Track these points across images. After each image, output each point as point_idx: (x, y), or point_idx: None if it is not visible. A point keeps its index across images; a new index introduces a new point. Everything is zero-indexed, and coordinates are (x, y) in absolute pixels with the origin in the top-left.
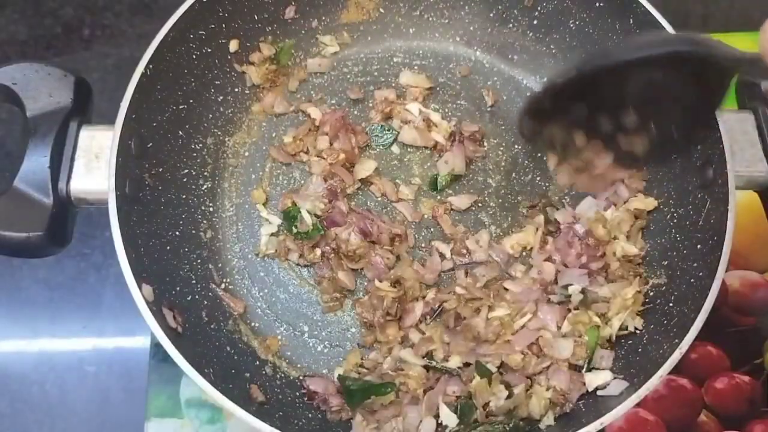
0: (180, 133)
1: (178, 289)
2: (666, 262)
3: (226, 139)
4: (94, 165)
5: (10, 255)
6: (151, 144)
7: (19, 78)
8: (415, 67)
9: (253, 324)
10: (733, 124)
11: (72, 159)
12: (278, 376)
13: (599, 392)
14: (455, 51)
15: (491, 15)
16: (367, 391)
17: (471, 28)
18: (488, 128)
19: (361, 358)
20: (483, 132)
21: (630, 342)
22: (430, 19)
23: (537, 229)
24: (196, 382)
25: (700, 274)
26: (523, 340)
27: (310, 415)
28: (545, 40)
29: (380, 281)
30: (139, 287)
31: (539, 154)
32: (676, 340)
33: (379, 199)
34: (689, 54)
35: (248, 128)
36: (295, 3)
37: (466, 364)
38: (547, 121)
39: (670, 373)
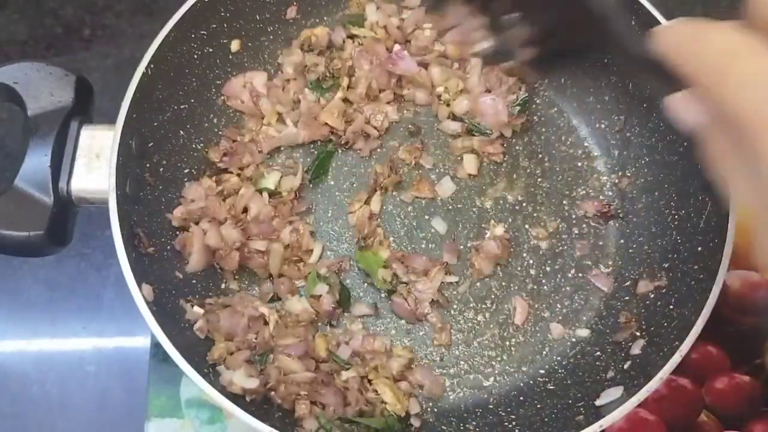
0: (181, 132)
1: (178, 289)
2: (667, 264)
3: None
4: (95, 164)
5: (10, 254)
6: (151, 144)
7: (21, 77)
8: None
9: None
10: None
11: (73, 158)
12: None
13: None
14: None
15: None
16: None
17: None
18: None
19: None
20: None
21: (630, 344)
22: None
23: None
24: (196, 382)
25: (701, 276)
26: None
27: None
28: None
29: None
30: (139, 287)
31: (540, 155)
32: (677, 343)
33: None
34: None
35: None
36: (296, 3)
37: None
38: None
39: (670, 373)
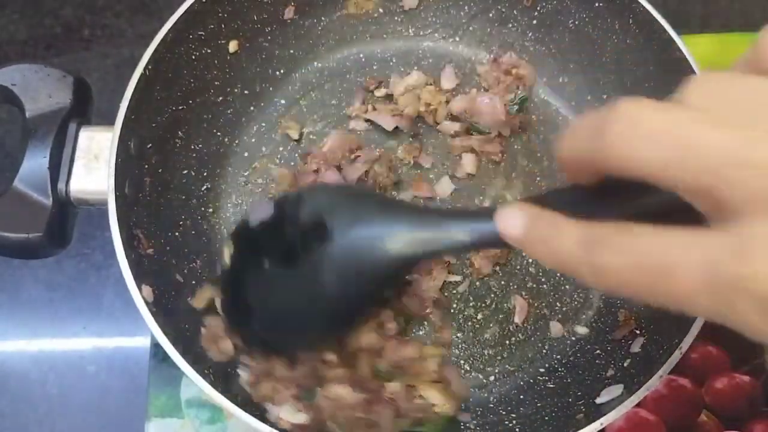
0: (179, 133)
1: (178, 290)
2: None
3: (226, 140)
4: (94, 165)
5: (9, 256)
6: (150, 145)
7: (19, 79)
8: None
9: None
10: None
11: (71, 159)
12: None
13: None
14: (454, 51)
15: (491, 15)
16: None
17: (471, 28)
18: None
19: None
20: None
21: (630, 342)
22: (430, 19)
23: None
24: (196, 383)
25: None
26: None
27: None
28: (545, 40)
29: None
30: (139, 288)
31: (539, 154)
32: (676, 340)
33: None
34: None
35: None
36: (294, 3)
37: None
38: None
39: (670, 372)
